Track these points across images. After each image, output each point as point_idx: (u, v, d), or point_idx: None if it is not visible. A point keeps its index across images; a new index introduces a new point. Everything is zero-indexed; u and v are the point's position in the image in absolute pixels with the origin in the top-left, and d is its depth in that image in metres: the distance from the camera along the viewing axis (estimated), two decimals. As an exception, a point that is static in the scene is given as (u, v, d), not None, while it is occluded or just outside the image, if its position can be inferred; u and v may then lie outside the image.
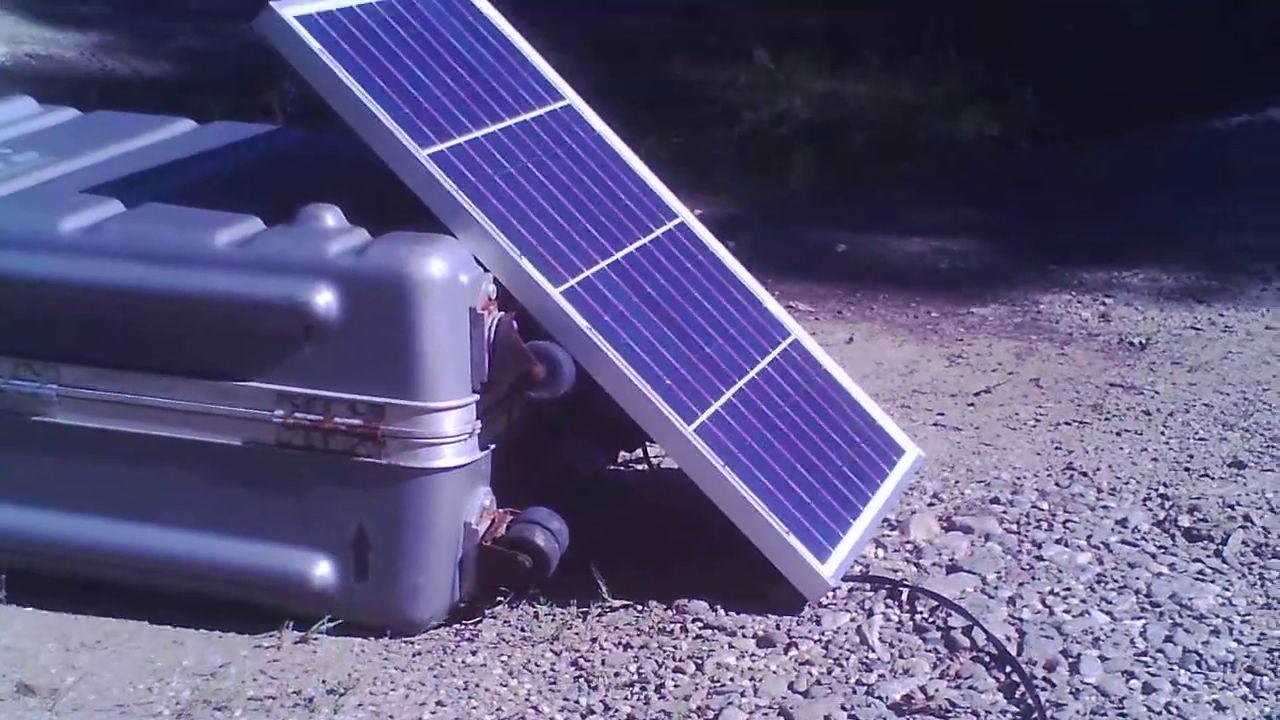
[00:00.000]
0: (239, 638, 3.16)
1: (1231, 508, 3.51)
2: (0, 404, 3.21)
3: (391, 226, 3.14)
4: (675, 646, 3.08)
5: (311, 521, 3.11)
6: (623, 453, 3.70)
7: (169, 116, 3.96)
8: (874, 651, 3.04)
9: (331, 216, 3.16)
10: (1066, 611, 3.14)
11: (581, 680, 3.00)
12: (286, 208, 3.19)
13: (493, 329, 3.11)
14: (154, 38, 8.30)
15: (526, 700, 2.95)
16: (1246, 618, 3.10)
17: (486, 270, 3.13)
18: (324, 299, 3.04)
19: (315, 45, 3.17)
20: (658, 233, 3.59)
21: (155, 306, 3.13)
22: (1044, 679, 2.92)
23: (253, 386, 3.10)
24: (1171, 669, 2.94)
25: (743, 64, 8.03)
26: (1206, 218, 5.81)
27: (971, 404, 4.27)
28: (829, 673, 2.98)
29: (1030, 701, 2.84)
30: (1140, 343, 4.69)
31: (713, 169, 6.40)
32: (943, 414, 4.19)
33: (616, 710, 2.90)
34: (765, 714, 2.86)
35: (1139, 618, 3.11)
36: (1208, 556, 3.33)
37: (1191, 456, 3.84)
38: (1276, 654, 2.98)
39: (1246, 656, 2.97)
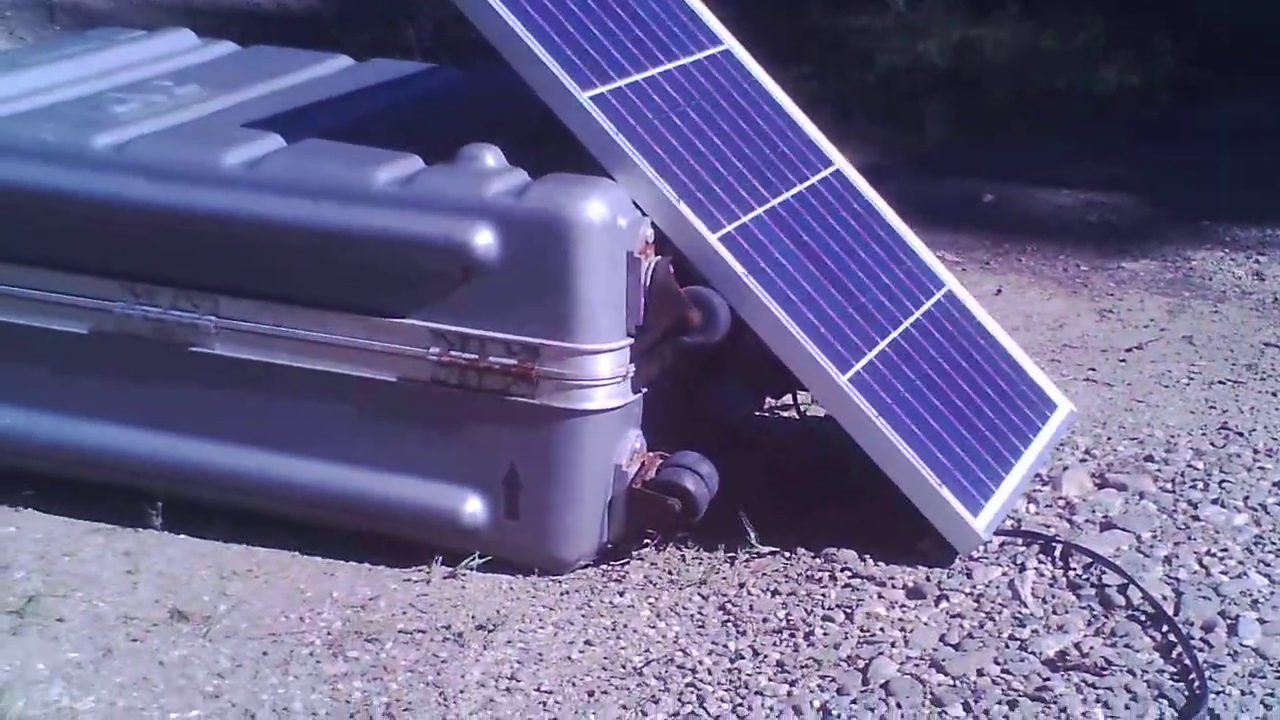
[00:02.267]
0: (389, 571, 3.18)
1: (1394, 472, 3.44)
2: (159, 334, 3.24)
3: (550, 168, 3.13)
4: (824, 595, 3.06)
5: (463, 459, 3.12)
6: (770, 400, 3.68)
7: (327, 52, 3.97)
8: (1026, 607, 3.00)
9: (491, 156, 3.16)
10: (1224, 573, 3.09)
11: (729, 625, 2.99)
12: (446, 147, 3.19)
13: (649, 273, 3.09)
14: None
15: (675, 643, 2.95)
16: None
17: (644, 214, 3.11)
18: (483, 239, 3.03)
19: (478, -16, 3.16)
20: (814, 180, 3.56)
21: (314, 242, 3.14)
22: (1201, 639, 2.88)
23: (409, 324, 3.10)
24: (1331, 634, 2.89)
25: (878, 9, 7.93)
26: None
27: (1123, 360, 4.21)
28: (981, 626, 2.95)
29: (1188, 662, 2.80)
30: (1296, 303, 4.60)
31: (850, 116, 6.33)
32: (1094, 369, 4.13)
33: (766, 656, 2.89)
34: (916, 665, 2.83)
35: (1297, 582, 3.06)
36: (1369, 521, 3.27)
37: (1351, 419, 3.77)
38: None
39: None
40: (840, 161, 3.69)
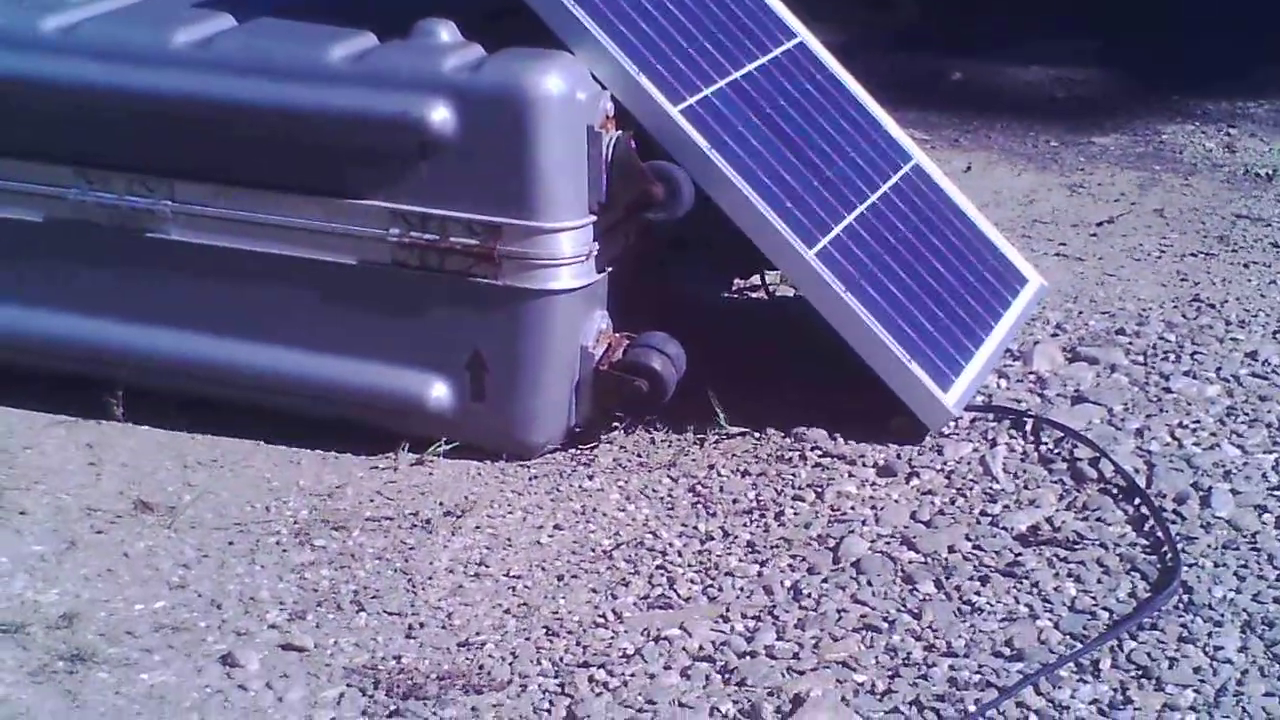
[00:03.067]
0: (355, 459, 3.14)
1: (1367, 341, 3.41)
2: (114, 220, 3.19)
3: (507, 43, 3.06)
4: (794, 474, 3.03)
5: (427, 342, 3.08)
6: (738, 280, 3.64)
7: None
8: (998, 482, 2.98)
9: (446, 32, 3.09)
10: (1196, 444, 3.06)
11: (700, 506, 2.96)
12: (401, 23, 3.12)
13: (611, 148, 3.03)
14: None
15: (645, 525, 2.92)
16: (1383, 453, 3.02)
17: (604, 88, 3.05)
18: (439, 115, 2.97)
19: None
20: (777, 52, 3.49)
21: (269, 122, 3.07)
22: (1174, 512, 2.86)
23: (368, 204, 3.05)
24: (1305, 504, 2.87)
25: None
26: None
27: (1094, 234, 4.17)
28: (952, 503, 2.92)
29: (1160, 534, 2.78)
30: (1267, 174, 4.56)
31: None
32: (1064, 244, 4.09)
33: (736, 537, 2.86)
34: (887, 543, 2.81)
35: (1271, 451, 3.04)
36: (1342, 391, 3.24)
37: (1323, 289, 3.74)
38: None
39: (1384, 492, 2.90)
40: (804, 33, 3.62)
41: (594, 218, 3.05)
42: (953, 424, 3.12)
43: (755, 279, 3.60)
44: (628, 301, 3.17)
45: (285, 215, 3.09)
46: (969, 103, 5.28)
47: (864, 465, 3.05)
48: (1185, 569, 2.68)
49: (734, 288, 3.66)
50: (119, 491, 3.03)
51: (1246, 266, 3.91)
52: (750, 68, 3.39)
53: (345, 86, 3.03)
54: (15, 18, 3.25)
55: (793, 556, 2.79)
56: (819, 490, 2.97)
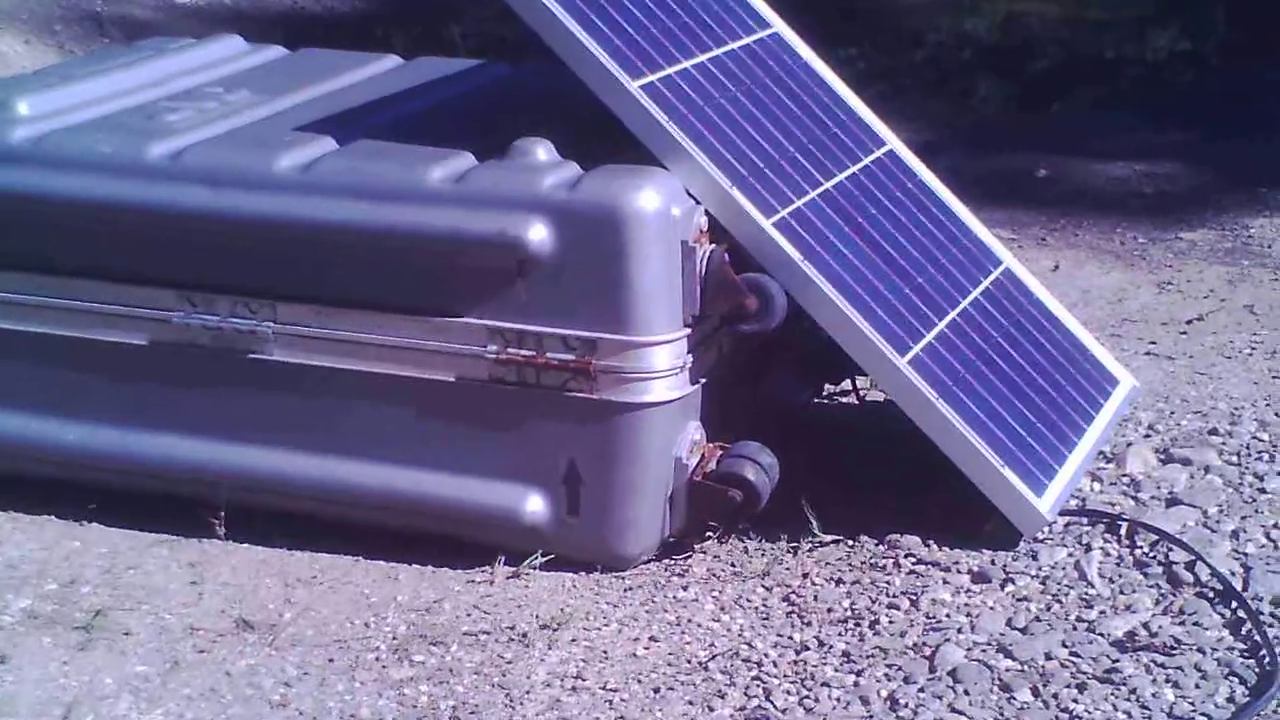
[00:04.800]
0: (452, 573, 3.18)
1: None
2: (218, 342, 3.25)
3: (602, 160, 3.12)
4: (888, 582, 3.05)
5: (523, 457, 3.12)
6: (829, 386, 3.67)
7: (375, 54, 3.97)
8: (1093, 587, 2.98)
9: (543, 150, 3.15)
10: (1292, 546, 3.06)
11: (794, 616, 2.99)
12: (498, 143, 3.19)
13: (704, 262, 3.08)
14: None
15: (740, 636, 2.94)
16: None
17: (698, 202, 3.10)
18: (537, 233, 3.03)
19: (523, -23, 3.16)
20: (867, 161, 3.54)
21: (370, 243, 3.14)
22: (1271, 615, 2.86)
23: (466, 322, 3.10)
24: (1401, 606, 2.86)
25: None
26: None
27: (1184, 332, 4.17)
28: (1048, 609, 2.93)
29: (1258, 638, 2.78)
30: (1356, 267, 4.55)
31: (899, 93, 6.29)
32: (1155, 343, 4.10)
33: (831, 646, 2.88)
34: (984, 650, 2.82)
35: (1366, 552, 3.03)
36: None
37: None
38: None
39: None
40: (893, 141, 3.67)
41: (688, 330, 3.09)
42: (1047, 529, 3.13)
43: (846, 384, 3.62)
44: (722, 411, 3.20)
45: (384, 334, 3.15)
46: (1054, 200, 5.30)
47: (958, 572, 3.06)
48: (1284, 674, 2.68)
49: (826, 393, 3.69)
50: (221, 610, 3.08)
51: (1338, 363, 3.91)
52: (841, 177, 3.43)
53: (444, 207, 3.09)
54: (124, 144, 3.33)
55: (888, 666, 2.80)
56: (914, 598, 2.99)
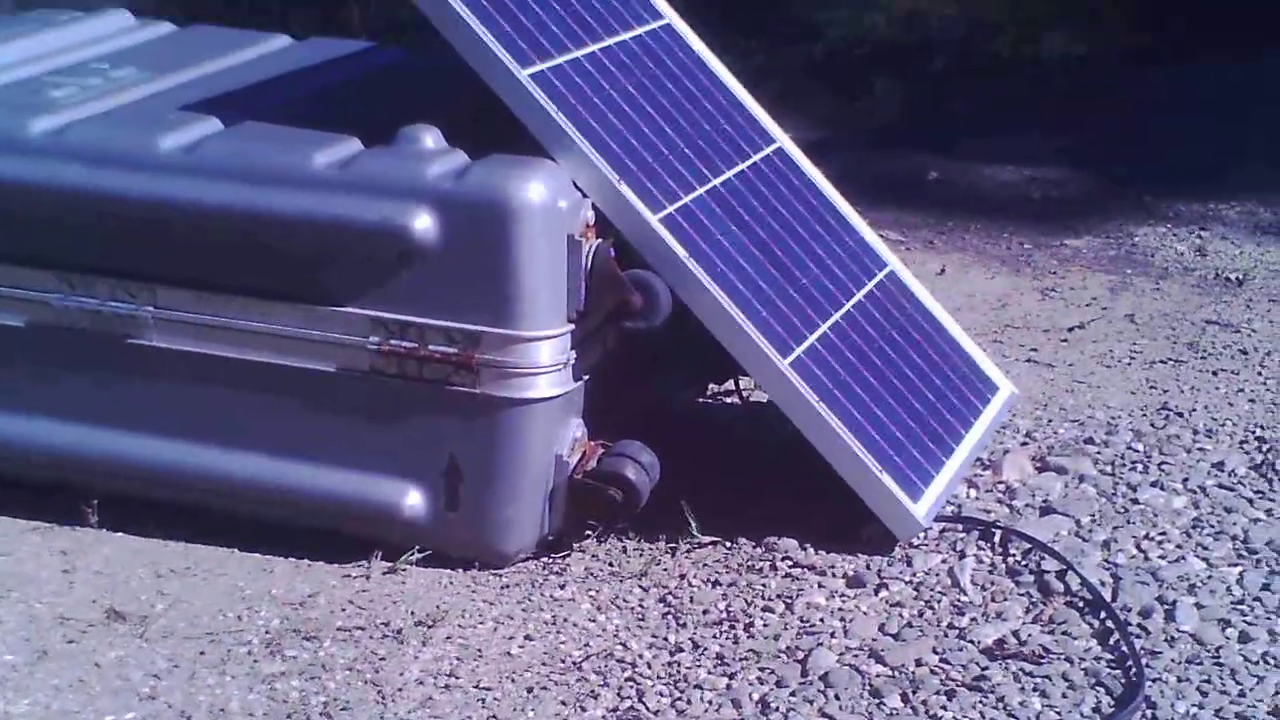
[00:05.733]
0: (328, 567, 3.16)
1: (1332, 454, 3.45)
2: (96, 325, 3.21)
3: (491, 149, 3.10)
4: (764, 585, 3.06)
5: (404, 450, 3.10)
6: (713, 385, 3.67)
7: (266, 33, 3.92)
8: (966, 594, 3.01)
9: (431, 138, 3.12)
10: (1162, 557, 3.10)
11: (670, 617, 2.99)
12: (386, 129, 3.16)
13: (590, 257, 3.07)
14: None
15: (615, 636, 2.94)
16: (1347, 569, 3.06)
17: (585, 196, 3.09)
18: (422, 223, 3.00)
19: (415, -37, 3.13)
20: (756, 158, 3.55)
21: (251, 227, 3.10)
22: (1139, 625, 2.89)
23: (348, 312, 3.08)
24: (1269, 617, 2.90)
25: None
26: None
27: (1065, 340, 4.21)
28: (920, 615, 2.95)
29: (1125, 649, 2.81)
30: (1237, 279, 4.61)
31: (793, 91, 6.30)
32: (1036, 350, 4.14)
33: (705, 648, 2.89)
34: (855, 655, 2.84)
35: (1235, 564, 3.07)
36: (1307, 504, 3.29)
37: (1290, 399, 3.78)
38: (1378, 608, 2.94)
39: (1347, 609, 2.93)
40: (782, 138, 3.67)
41: (572, 326, 3.08)
42: (922, 535, 3.16)
43: (730, 383, 3.63)
44: (604, 409, 3.20)
45: (266, 322, 3.12)
46: (944, 203, 5.32)
47: (834, 576, 3.08)
48: (1149, 684, 2.71)
49: (709, 393, 3.70)
50: (92, 600, 3.04)
51: (1215, 374, 3.95)
52: (729, 174, 3.43)
53: (328, 193, 3.06)
54: (4, 120, 3.28)
55: (761, 669, 2.81)
56: (789, 601, 3.00)
